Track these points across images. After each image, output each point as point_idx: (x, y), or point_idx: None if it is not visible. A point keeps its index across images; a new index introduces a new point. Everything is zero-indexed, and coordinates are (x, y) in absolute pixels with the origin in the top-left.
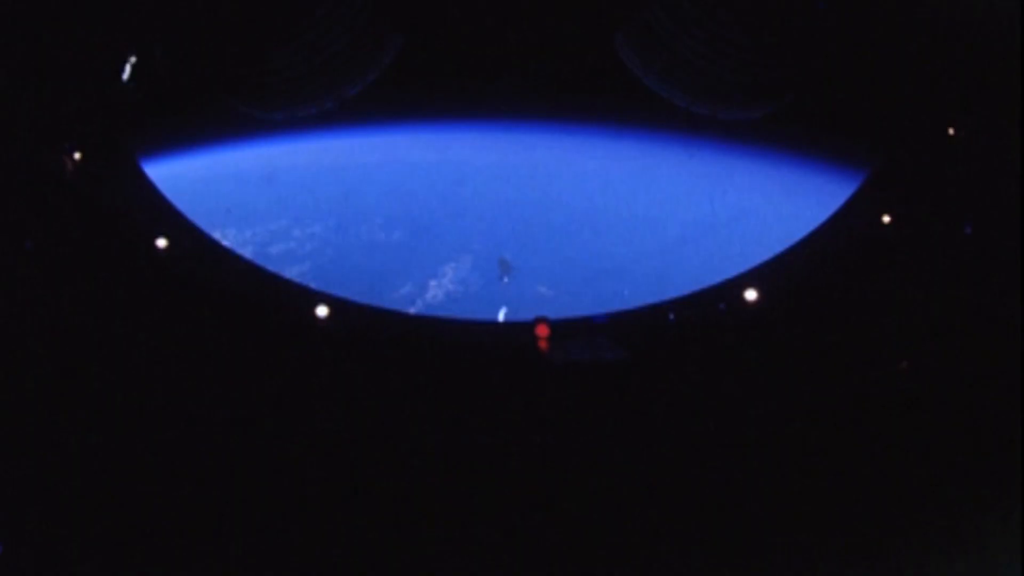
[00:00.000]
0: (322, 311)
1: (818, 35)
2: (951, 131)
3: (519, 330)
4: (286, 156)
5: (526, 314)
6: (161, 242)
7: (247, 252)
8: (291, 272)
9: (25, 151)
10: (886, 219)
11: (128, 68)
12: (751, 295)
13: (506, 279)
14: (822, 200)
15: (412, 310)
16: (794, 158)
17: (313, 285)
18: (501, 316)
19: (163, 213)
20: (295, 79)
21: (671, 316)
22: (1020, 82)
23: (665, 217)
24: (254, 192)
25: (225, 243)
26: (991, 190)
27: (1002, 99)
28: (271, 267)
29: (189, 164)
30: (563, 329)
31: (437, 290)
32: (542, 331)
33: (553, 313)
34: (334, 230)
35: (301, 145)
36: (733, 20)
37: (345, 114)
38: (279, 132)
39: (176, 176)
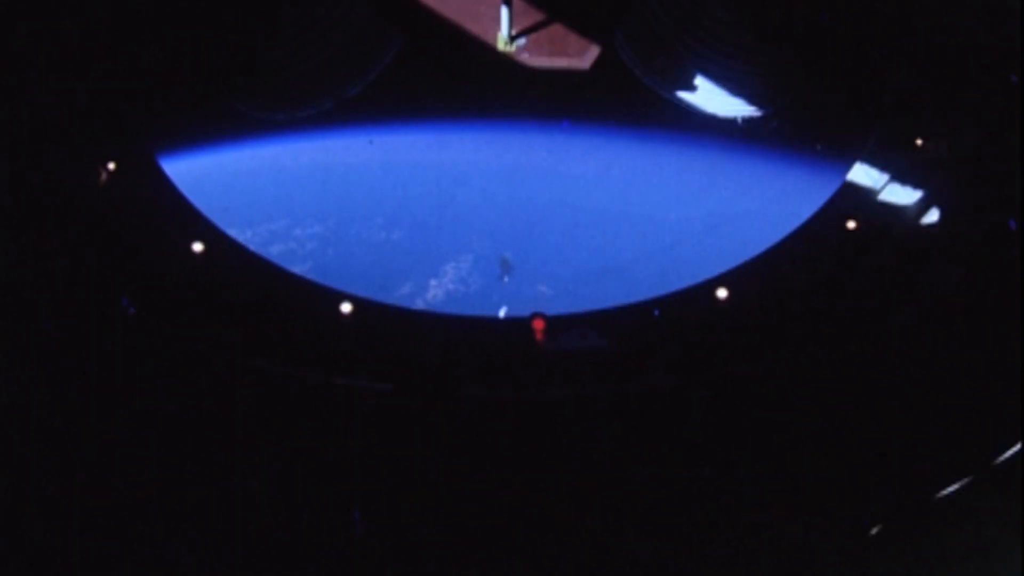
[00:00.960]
0: (346, 308)
1: (818, 35)
2: (919, 142)
3: (518, 326)
4: (286, 156)
5: (526, 313)
6: (197, 246)
7: None
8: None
9: (50, 160)
10: (851, 224)
11: None
12: (722, 294)
13: (506, 278)
14: (824, 199)
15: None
16: (795, 157)
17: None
18: (502, 314)
19: (190, 217)
20: (295, 79)
21: (656, 312)
22: (1020, 86)
23: (665, 217)
24: (253, 191)
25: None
26: (981, 194)
27: (1001, 105)
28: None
29: (188, 164)
30: (558, 324)
31: (438, 289)
32: (538, 325)
33: (553, 311)
34: (334, 230)
35: (301, 145)
36: (733, 20)
37: (345, 114)
38: (279, 132)
39: (175, 176)
